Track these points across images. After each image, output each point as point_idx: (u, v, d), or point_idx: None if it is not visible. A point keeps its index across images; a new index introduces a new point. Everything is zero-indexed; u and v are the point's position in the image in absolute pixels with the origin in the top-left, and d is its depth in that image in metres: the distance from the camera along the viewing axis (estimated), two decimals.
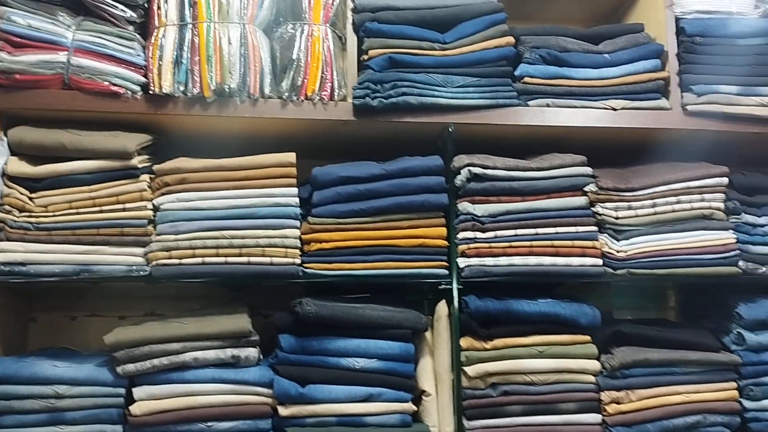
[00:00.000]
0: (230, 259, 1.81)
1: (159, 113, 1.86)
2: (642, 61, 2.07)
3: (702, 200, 2.01)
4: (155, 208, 1.83)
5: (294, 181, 1.87)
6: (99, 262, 1.78)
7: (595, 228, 1.96)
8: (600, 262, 1.94)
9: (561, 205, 1.96)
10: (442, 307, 1.91)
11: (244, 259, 1.82)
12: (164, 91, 1.84)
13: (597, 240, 1.95)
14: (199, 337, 1.77)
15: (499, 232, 1.92)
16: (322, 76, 1.91)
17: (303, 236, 1.87)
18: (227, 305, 1.93)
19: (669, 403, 1.89)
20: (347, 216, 1.88)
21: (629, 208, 1.97)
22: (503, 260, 1.90)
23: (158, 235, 1.81)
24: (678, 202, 1.99)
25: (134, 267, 1.79)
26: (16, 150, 1.82)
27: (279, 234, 1.84)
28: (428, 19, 2.01)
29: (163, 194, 1.84)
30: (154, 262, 1.79)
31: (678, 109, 2.04)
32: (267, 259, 1.82)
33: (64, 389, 1.70)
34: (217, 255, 1.81)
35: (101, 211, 1.80)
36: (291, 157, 1.87)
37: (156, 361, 1.74)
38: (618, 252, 1.95)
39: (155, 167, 1.85)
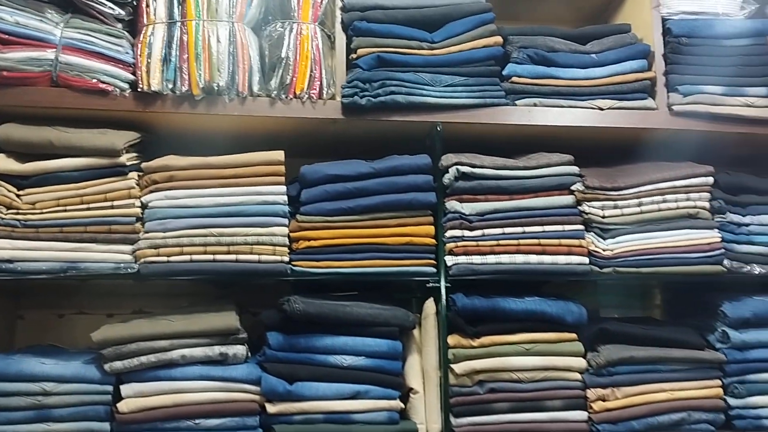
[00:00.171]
0: (218, 257, 1.81)
1: (147, 111, 1.86)
2: (629, 61, 2.08)
3: (687, 199, 2.02)
4: (143, 206, 1.83)
5: (282, 179, 1.88)
6: (87, 259, 1.78)
7: (581, 227, 1.97)
8: (586, 260, 1.95)
9: (548, 204, 1.97)
10: (429, 305, 1.92)
11: (232, 257, 1.82)
12: (153, 88, 1.84)
13: (583, 238, 1.96)
14: (187, 335, 1.77)
15: (486, 231, 1.93)
16: (310, 75, 1.92)
17: (291, 234, 1.87)
18: (215, 303, 1.93)
19: (654, 401, 1.91)
20: (335, 214, 1.89)
21: (615, 207, 1.98)
22: (491, 258, 1.91)
23: (146, 232, 1.81)
24: (664, 201, 2.01)
25: (122, 264, 1.79)
26: (3, 147, 1.81)
27: (267, 232, 1.84)
28: (417, 19, 2.01)
29: (151, 192, 1.83)
30: (142, 260, 1.79)
31: (664, 109, 2.05)
32: (255, 257, 1.82)
33: (52, 386, 1.70)
34: (206, 252, 1.81)
35: (89, 209, 1.79)
36: (279, 155, 1.88)
37: (144, 359, 1.74)
38: (604, 250, 1.96)
39: (143, 165, 1.85)
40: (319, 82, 1.92)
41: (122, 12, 1.88)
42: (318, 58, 1.93)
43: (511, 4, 2.26)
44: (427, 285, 1.91)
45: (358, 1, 2.00)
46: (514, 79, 2.02)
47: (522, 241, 1.93)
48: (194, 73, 1.86)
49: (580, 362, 1.91)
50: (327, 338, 1.83)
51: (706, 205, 2.04)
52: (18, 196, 1.79)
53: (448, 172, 1.94)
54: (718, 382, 1.96)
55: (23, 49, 1.80)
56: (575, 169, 2.00)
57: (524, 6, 2.37)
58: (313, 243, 1.87)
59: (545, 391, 1.88)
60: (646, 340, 1.96)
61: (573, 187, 1.98)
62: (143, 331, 1.76)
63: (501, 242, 1.93)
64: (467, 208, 1.93)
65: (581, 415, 1.89)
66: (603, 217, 1.97)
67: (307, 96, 1.91)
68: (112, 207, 1.81)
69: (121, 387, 1.74)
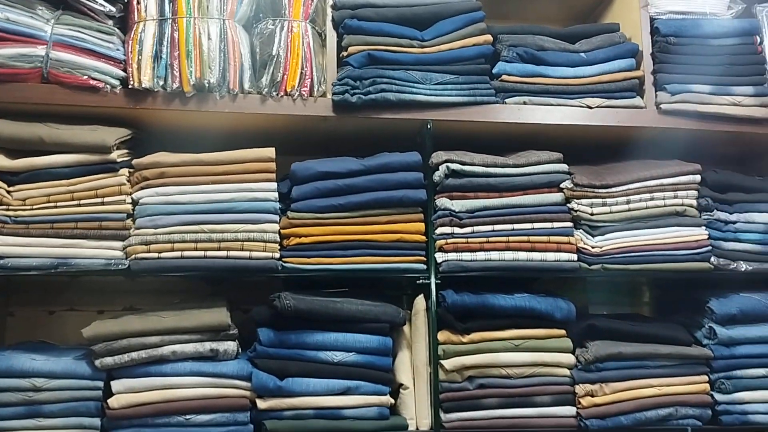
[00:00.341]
0: (209, 253, 1.82)
1: (138, 108, 1.86)
2: (617, 60, 2.10)
3: (675, 197, 2.04)
4: (134, 202, 1.83)
5: (273, 175, 1.89)
6: (77, 255, 1.78)
7: (570, 224, 1.99)
8: (575, 257, 1.97)
9: (537, 202, 1.98)
10: (419, 302, 1.94)
11: (223, 253, 1.82)
12: (143, 85, 1.85)
13: (572, 236, 1.98)
14: (178, 331, 1.78)
15: (476, 228, 1.94)
16: (301, 72, 1.93)
17: (282, 231, 1.88)
18: (206, 300, 1.93)
19: (642, 396, 1.92)
20: (326, 211, 1.90)
21: (604, 204, 2.00)
22: (480, 255, 1.93)
23: (137, 229, 1.82)
24: (652, 199, 2.02)
25: (113, 261, 1.80)
26: None
27: (258, 228, 1.85)
28: (407, 17, 2.03)
29: (142, 188, 1.84)
30: (132, 256, 1.80)
31: (652, 107, 2.07)
32: (246, 253, 1.83)
33: (42, 382, 1.70)
34: (196, 249, 1.82)
35: (80, 205, 1.80)
36: (270, 152, 1.88)
37: (134, 355, 1.74)
38: (593, 247, 1.97)
39: (134, 161, 1.86)
40: (310, 80, 1.93)
41: (113, 9, 1.88)
42: (309, 56, 1.94)
43: (500, 3, 2.28)
44: (418, 282, 1.93)
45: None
46: (504, 77, 2.03)
47: (511, 238, 1.95)
48: (185, 70, 1.86)
49: (569, 358, 1.93)
50: (317, 334, 1.84)
51: (694, 202, 2.06)
52: (8, 192, 1.79)
53: (438, 169, 1.96)
54: (705, 377, 1.98)
55: (14, 45, 1.80)
56: (564, 166, 2.02)
57: (514, 5, 2.38)
58: (303, 240, 1.88)
59: (534, 387, 1.90)
60: (634, 337, 1.98)
61: (562, 185, 2.00)
62: (134, 327, 1.77)
63: (491, 239, 1.94)
64: (457, 205, 1.94)
65: (570, 410, 1.91)
66: (592, 214, 1.99)
67: (298, 93, 1.92)
68: (102, 203, 1.81)
69: (112, 383, 1.74)
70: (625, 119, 2.05)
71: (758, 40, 2.14)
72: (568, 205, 2.00)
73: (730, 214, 2.07)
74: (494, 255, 1.93)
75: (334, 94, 1.92)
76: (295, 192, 1.91)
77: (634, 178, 2.03)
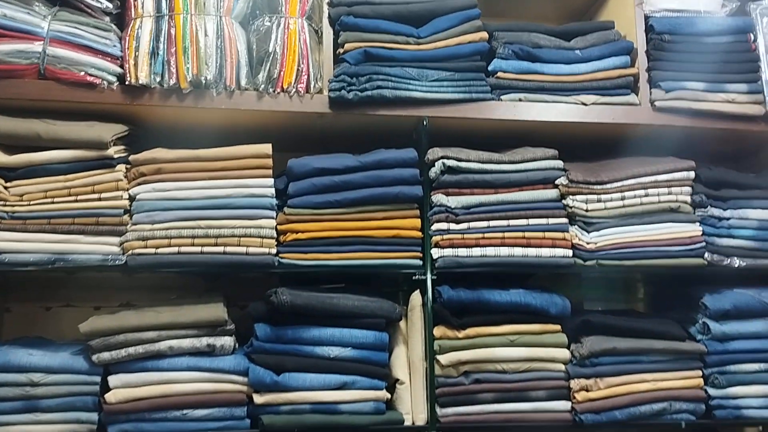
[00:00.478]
0: (206, 249, 1.83)
1: (135, 104, 1.87)
2: (612, 57, 2.11)
3: (669, 193, 2.05)
4: (131, 198, 1.84)
5: (270, 171, 1.89)
6: (74, 251, 1.79)
7: (565, 220, 2.00)
8: (570, 253, 1.98)
9: (533, 198, 1.99)
10: (416, 297, 1.95)
11: (220, 249, 1.83)
12: (140, 82, 1.85)
13: (567, 231, 1.99)
14: (175, 326, 1.79)
15: (472, 224, 1.95)
16: (298, 69, 1.94)
17: (279, 227, 1.89)
18: (203, 295, 1.94)
19: (636, 391, 1.94)
20: (323, 207, 1.90)
21: (599, 200, 2.01)
22: (476, 251, 1.94)
23: (134, 224, 1.82)
24: (646, 195, 2.04)
25: (110, 256, 1.80)
26: None
27: (255, 224, 1.86)
28: (403, 14, 2.03)
29: (139, 184, 1.85)
30: (129, 252, 1.80)
31: (647, 104, 2.08)
32: (243, 249, 1.84)
33: (39, 377, 1.71)
34: (193, 244, 1.82)
35: (77, 201, 1.81)
36: (267, 148, 1.89)
37: (131, 350, 1.75)
38: (588, 243, 1.99)
39: (131, 157, 1.86)
40: (306, 77, 1.94)
41: (110, 5, 1.89)
42: (305, 53, 1.95)
43: (496, 1, 2.30)
44: (413, 277, 1.93)
45: None
46: (500, 74, 2.05)
47: (507, 234, 1.96)
48: (182, 66, 1.87)
49: (564, 353, 1.94)
50: (314, 330, 1.85)
51: (688, 199, 2.07)
52: (5, 188, 1.80)
53: (434, 165, 1.97)
54: (699, 372, 2.00)
55: (11, 41, 1.80)
56: (559, 163, 2.03)
57: (509, 3, 2.39)
58: (300, 235, 1.89)
59: (529, 382, 1.91)
60: (628, 332, 1.99)
61: (557, 181, 2.01)
62: (131, 322, 1.78)
63: (486, 235, 1.95)
64: (453, 201, 1.95)
65: (565, 405, 1.92)
66: (587, 210, 2.00)
67: (294, 90, 1.93)
68: (99, 199, 1.82)
69: (109, 378, 1.75)
70: (619, 116, 2.07)
71: (752, 38, 2.15)
72: (563, 201, 2.01)
73: (724, 210, 2.09)
74: (490, 251, 1.94)
75: (330, 90, 1.92)
76: (291, 188, 1.91)
77: (629, 175, 2.04)
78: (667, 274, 2.08)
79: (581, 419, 1.90)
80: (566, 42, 2.14)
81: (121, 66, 1.87)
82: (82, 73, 1.83)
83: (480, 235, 1.95)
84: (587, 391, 1.92)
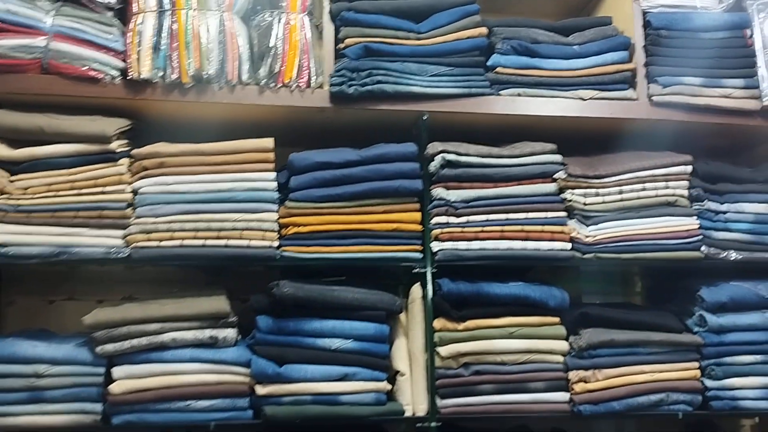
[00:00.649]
0: (208, 242, 1.84)
1: (138, 98, 1.88)
2: (610, 52, 2.13)
3: (667, 187, 2.07)
4: (134, 192, 1.85)
5: (272, 165, 1.91)
6: (78, 244, 1.80)
7: (564, 214, 2.02)
8: (568, 246, 2.00)
9: (531, 192, 2.01)
10: (416, 290, 1.96)
11: (222, 242, 1.85)
12: (143, 76, 1.87)
13: (566, 225, 2.01)
14: (178, 318, 1.80)
15: (471, 217, 1.97)
16: (299, 64, 1.95)
17: (280, 220, 1.90)
18: (205, 288, 1.96)
19: (634, 382, 1.96)
20: (324, 200, 1.92)
21: (597, 194, 2.03)
22: (475, 244, 1.96)
23: (137, 218, 1.84)
24: (644, 189, 2.06)
25: (113, 249, 1.82)
26: None
27: (256, 217, 1.87)
28: (403, 9, 2.05)
29: (141, 178, 1.86)
30: (132, 245, 1.82)
31: (644, 99, 2.10)
32: (245, 242, 1.86)
33: (44, 368, 1.73)
34: (196, 237, 1.84)
35: (80, 194, 1.82)
36: (269, 142, 1.91)
37: (135, 342, 1.77)
38: (586, 237, 2.01)
39: (134, 151, 1.88)
40: (307, 71, 1.96)
41: (112, 0, 1.90)
42: (306, 48, 1.97)
43: None
44: (414, 270, 1.95)
45: None
46: (499, 69, 2.06)
47: (506, 228, 1.98)
48: (184, 61, 1.88)
49: (563, 345, 1.96)
50: (315, 322, 1.87)
51: (685, 193, 2.09)
52: (10, 181, 1.81)
53: (434, 159, 1.98)
54: (696, 364, 2.02)
55: (14, 36, 1.82)
56: (558, 157, 2.04)
57: None
58: (301, 229, 1.90)
59: (528, 373, 1.93)
60: (626, 324, 2.01)
61: (556, 175, 2.03)
62: (134, 314, 1.79)
63: (485, 228, 1.97)
64: (453, 195, 1.97)
65: (563, 396, 1.94)
66: (585, 204, 2.02)
67: (295, 85, 1.94)
68: (102, 192, 1.83)
69: (113, 369, 1.76)
70: (617, 111, 2.08)
71: (748, 33, 2.16)
72: (561, 195, 2.03)
73: (721, 204, 2.11)
74: (489, 244, 1.96)
75: (331, 85, 1.94)
76: (293, 182, 1.93)
77: (627, 169, 2.06)
78: (665, 267, 2.11)
79: (579, 410, 1.92)
80: (564, 37, 2.16)
81: (124, 61, 1.88)
82: (85, 68, 1.84)
83: (479, 229, 1.96)
84: (585, 382, 1.94)
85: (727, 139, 2.27)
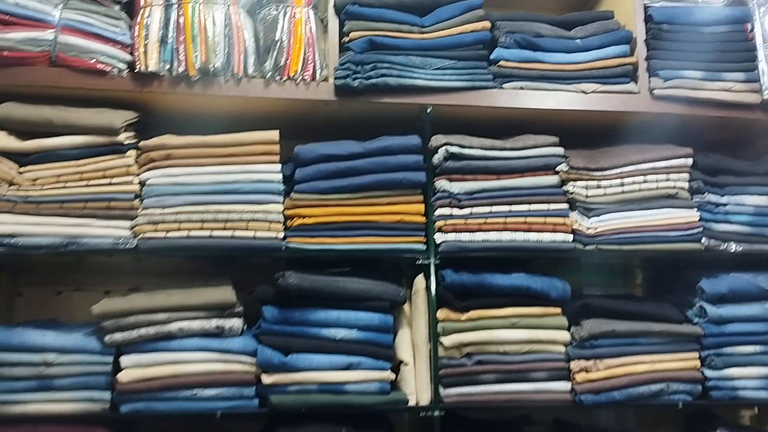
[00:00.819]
0: (215, 233, 1.86)
1: (144, 91, 1.90)
2: (612, 46, 2.15)
3: (667, 180, 2.09)
4: (141, 183, 1.88)
5: (277, 157, 1.93)
6: (86, 234, 1.82)
7: (566, 206, 2.04)
8: (570, 238, 2.02)
9: (534, 184, 2.03)
10: (419, 281, 1.99)
11: (229, 233, 1.87)
12: (150, 69, 1.88)
13: (568, 217, 2.03)
14: (185, 308, 1.83)
15: (474, 209, 1.99)
16: (304, 57, 1.97)
17: (286, 212, 1.92)
18: (212, 279, 1.98)
19: (634, 372, 1.98)
20: (329, 192, 1.94)
21: (599, 186, 2.05)
22: (479, 236, 1.98)
23: (144, 208, 1.86)
24: (645, 182, 2.07)
25: (121, 240, 1.84)
26: (3, 125, 1.85)
27: (262, 209, 1.89)
28: (407, 3, 2.07)
29: (149, 169, 1.88)
30: (140, 235, 1.84)
31: (645, 93, 2.12)
32: (251, 233, 1.88)
33: (54, 357, 1.75)
34: (202, 228, 1.86)
35: (88, 185, 1.84)
36: (274, 134, 1.93)
37: (143, 331, 1.79)
38: (588, 229, 2.03)
39: (141, 143, 1.90)
40: (312, 65, 1.98)
41: None
42: (311, 41, 1.99)
43: None
44: (417, 262, 1.97)
45: None
46: (502, 63, 2.08)
47: (509, 220, 2.00)
48: (191, 54, 1.90)
49: (564, 335, 1.99)
50: (320, 312, 1.89)
51: (686, 185, 2.11)
52: (19, 173, 1.83)
53: (437, 152, 2.00)
54: (696, 354, 2.04)
55: (23, 29, 1.84)
56: (560, 150, 2.06)
57: None
58: (306, 220, 1.92)
59: (530, 363, 1.95)
60: (627, 315, 2.03)
61: (558, 168, 2.05)
62: (142, 304, 1.82)
63: (488, 220, 1.99)
64: (456, 187, 1.99)
65: (565, 385, 1.96)
66: (587, 196, 2.04)
67: (300, 78, 1.96)
68: (110, 184, 1.85)
69: (121, 358, 1.79)
70: (619, 104, 2.10)
71: (749, 27, 2.18)
72: (563, 187, 2.05)
73: (721, 196, 2.12)
74: (492, 236, 1.98)
75: (336, 78, 1.96)
76: (298, 174, 1.95)
77: (628, 162, 2.08)
78: (665, 258, 2.13)
79: (581, 400, 1.95)
80: (567, 31, 2.17)
81: (131, 54, 1.90)
82: (93, 61, 1.86)
83: (482, 220, 1.99)
84: (587, 372, 1.96)
85: (727, 133, 2.29)
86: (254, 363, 1.84)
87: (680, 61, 2.13)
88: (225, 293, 1.87)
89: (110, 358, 1.78)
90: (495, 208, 2.00)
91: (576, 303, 2.03)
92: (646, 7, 2.17)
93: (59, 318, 2.05)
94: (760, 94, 2.14)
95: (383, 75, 1.97)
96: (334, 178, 1.95)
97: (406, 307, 2.01)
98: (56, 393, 1.75)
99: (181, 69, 1.90)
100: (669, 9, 2.16)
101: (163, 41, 1.90)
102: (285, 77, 1.96)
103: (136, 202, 1.86)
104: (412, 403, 1.91)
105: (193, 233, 1.86)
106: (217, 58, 1.91)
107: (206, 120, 1.98)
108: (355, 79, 1.95)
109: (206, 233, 1.86)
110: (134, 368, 1.78)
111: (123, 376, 1.77)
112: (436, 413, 1.90)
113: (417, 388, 1.93)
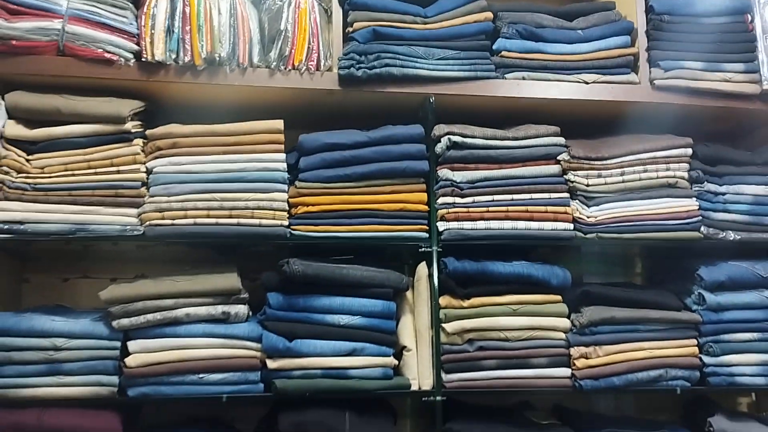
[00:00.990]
0: (221, 221, 1.89)
1: (151, 80, 1.92)
2: (613, 37, 2.17)
3: (667, 169, 2.12)
4: (148, 171, 1.90)
5: (282, 146, 1.95)
6: (94, 221, 1.85)
7: (567, 195, 2.07)
8: (571, 226, 2.05)
9: (535, 173, 2.06)
10: (422, 268, 2.01)
11: (234, 221, 1.89)
12: (156, 59, 1.91)
13: (569, 206, 2.06)
14: (191, 294, 1.85)
15: (476, 198, 2.02)
16: (308, 47, 1.99)
17: (290, 200, 1.95)
18: (217, 267, 2.00)
19: (634, 358, 2.01)
20: (333, 181, 1.97)
21: (599, 176, 2.08)
22: (480, 224, 2.00)
23: (151, 196, 1.88)
24: (645, 171, 2.10)
25: (128, 227, 1.86)
26: (12, 114, 1.88)
27: (267, 197, 1.92)
28: None
29: (155, 158, 1.91)
30: (147, 223, 1.87)
31: (646, 83, 2.14)
32: (256, 221, 1.90)
33: (62, 342, 1.77)
34: (208, 216, 1.89)
35: (96, 173, 1.87)
36: (279, 123, 1.95)
37: (150, 316, 1.82)
38: (588, 217, 2.05)
39: (148, 132, 1.92)
40: (316, 55, 2.00)
41: None
42: (316, 31, 2.01)
43: None
44: (420, 249, 2.00)
45: None
46: (504, 53, 2.10)
47: (510, 208, 2.03)
48: (196, 44, 1.92)
49: (564, 322, 2.02)
50: (325, 298, 1.92)
51: (685, 175, 2.14)
52: (27, 160, 1.85)
53: (440, 141, 2.03)
54: (694, 341, 2.07)
55: (31, 19, 1.86)
56: (561, 140, 2.09)
57: None
58: (311, 208, 1.95)
59: (531, 349, 1.98)
60: (626, 302, 2.06)
61: (559, 157, 2.07)
62: (149, 290, 1.84)
63: (490, 209, 2.02)
64: (458, 176, 2.01)
65: (565, 371, 2.00)
66: (587, 185, 2.07)
67: (305, 67, 1.98)
68: (118, 172, 1.88)
69: (129, 343, 1.82)
70: (619, 94, 2.13)
71: (749, 18, 2.20)
72: (564, 176, 2.08)
73: (720, 185, 2.15)
74: (494, 224, 2.01)
75: (340, 68, 1.98)
76: (302, 163, 1.97)
77: (628, 151, 2.10)
78: (665, 247, 2.16)
79: (581, 385, 1.98)
80: (568, 22, 2.20)
81: (138, 43, 1.92)
82: (100, 50, 1.89)
83: (484, 209, 2.01)
84: (586, 358, 1.99)
85: (726, 123, 2.31)
86: (259, 348, 1.87)
87: (681, 51, 2.15)
88: (231, 280, 1.89)
89: (118, 343, 1.81)
90: (497, 197, 2.03)
91: (576, 290, 2.06)
92: None
93: (66, 304, 2.07)
94: (760, 85, 2.17)
95: (387, 65, 1.99)
96: (337, 166, 1.97)
97: (408, 294, 2.03)
98: (65, 377, 1.77)
99: (186, 58, 1.92)
100: (670, 0, 2.17)
101: (169, 31, 1.92)
102: (289, 67, 1.98)
103: (143, 190, 1.89)
104: (414, 388, 1.94)
105: (199, 221, 1.88)
106: (222, 47, 1.93)
107: (212, 109, 2.00)
108: (358, 68, 1.97)
109: (212, 221, 1.89)
110: (141, 353, 1.81)
111: (130, 361, 1.79)
112: (438, 398, 1.93)
113: (419, 374, 1.96)
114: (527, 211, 2.03)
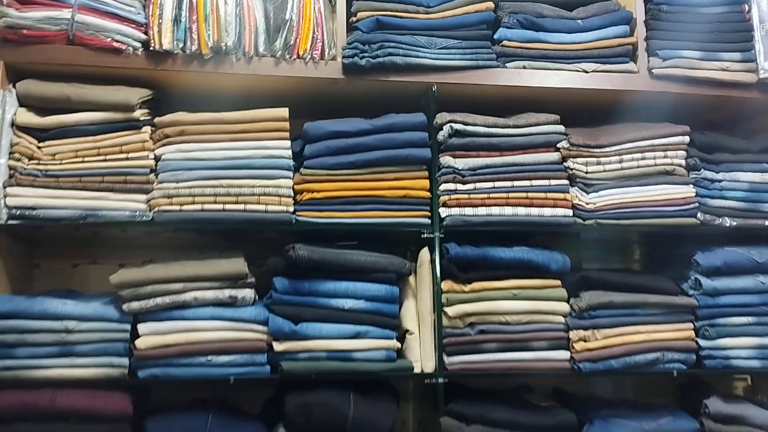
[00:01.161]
0: (228, 207, 1.93)
1: (159, 69, 1.96)
2: (612, 27, 2.20)
3: (665, 157, 2.15)
4: (156, 158, 1.94)
5: (287, 134, 1.99)
6: (104, 207, 1.89)
7: (566, 181, 2.10)
8: (570, 212, 2.08)
9: (535, 160, 2.10)
10: (424, 254, 2.05)
11: (241, 207, 1.93)
12: (164, 48, 1.94)
13: (568, 192, 2.09)
14: (199, 278, 1.89)
15: (478, 185, 2.06)
16: (313, 36, 2.03)
17: (295, 186, 1.99)
18: (224, 252, 2.04)
19: (631, 342, 2.05)
20: (337, 168, 2.00)
21: (598, 163, 2.11)
22: (482, 210, 2.04)
23: (160, 183, 1.92)
24: (643, 159, 2.14)
25: (137, 213, 1.90)
26: (24, 102, 1.91)
27: (273, 183, 1.96)
28: None
29: (163, 145, 1.94)
30: (155, 209, 1.90)
31: (645, 72, 2.17)
32: (262, 207, 1.94)
33: (74, 324, 1.81)
34: (216, 202, 1.92)
35: (105, 160, 1.90)
36: (284, 111, 1.98)
37: (159, 300, 1.86)
38: (587, 204, 2.09)
39: (156, 120, 1.96)
40: (321, 44, 2.03)
41: None
42: (320, 21, 2.04)
43: None
44: (422, 235, 2.04)
45: None
46: (505, 42, 2.14)
47: (511, 195, 2.06)
48: (203, 33, 1.96)
49: (564, 306, 2.06)
50: (329, 283, 1.96)
51: (682, 162, 2.17)
52: (38, 147, 1.89)
53: (442, 129, 2.06)
54: (691, 325, 2.11)
55: (41, 8, 1.89)
56: (561, 128, 2.12)
57: None
58: (316, 195, 1.99)
59: (531, 333, 2.02)
60: (624, 287, 2.10)
61: (559, 145, 2.11)
62: (158, 274, 1.88)
63: (491, 195, 2.06)
64: (460, 163, 2.05)
65: (564, 354, 2.04)
66: (586, 172, 2.10)
67: (309, 57, 2.02)
68: (127, 159, 1.92)
69: (139, 326, 1.86)
70: (618, 83, 2.16)
71: (746, 8, 2.23)
72: (564, 163, 2.11)
73: (717, 173, 2.18)
74: (495, 210, 2.04)
75: (344, 57, 2.01)
76: (307, 150, 2.01)
77: (627, 139, 2.14)
78: (662, 233, 2.19)
79: (579, 368, 2.02)
80: (568, 12, 2.23)
81: (146, 33, 1.95)
82: (109, 39, 1.92)
83: (486, 195, 2.05)
84: (585, 341, 2.03)
85: (723, 111, 2.34)
86: (266, 331, 1.91)
87: (679, 41, 2.18)
88: (237, 264, 1.93)
89: (128, 326, 1.84)
90: (498, 184, 2.07)
91: (575, 275, 2.10)
92: None
93: (75, 289, 2.11)
94: (756, 74, 2.20)
95: (390, 54, 2.03)
96: (342, 154, 2.01)
97: (411, 278, 2.07)
98: (77, 359, 1.81)
99: (193, 48, 1.95)
100: None
101: (176, 20, 1.96)
102: (294, 56, 2.01)
103: (152, 176, 1.92)
104: (417, 370, 1.98)
105: (206, 207, 1.92)
106: (228, 37, 1.97)
107: (218, 97, 2.04)
108: (362, 58, 2.01)
109: (219, 207, 1.92)
110: (151, 335, 1.85)
111: (140, 343, 1.84)
112: (440, 380, 1.97)
113: (422, 356, 2.00)
114: (527, 198, 2.07)
